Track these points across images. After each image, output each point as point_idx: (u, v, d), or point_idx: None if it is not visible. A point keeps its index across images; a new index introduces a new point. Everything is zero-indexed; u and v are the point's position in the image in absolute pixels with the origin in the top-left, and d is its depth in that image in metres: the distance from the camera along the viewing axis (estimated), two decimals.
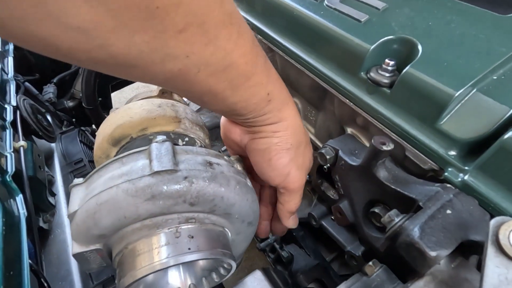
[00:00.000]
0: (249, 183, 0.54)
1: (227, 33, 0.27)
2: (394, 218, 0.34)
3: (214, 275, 0.53)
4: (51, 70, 1.30)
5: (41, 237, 0.71)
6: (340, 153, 0.47)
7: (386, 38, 0.42)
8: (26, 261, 0.53)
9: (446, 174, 0.36)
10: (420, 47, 0.39)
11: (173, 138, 0.63)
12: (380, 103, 0.43)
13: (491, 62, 0.36)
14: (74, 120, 1.20)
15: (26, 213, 0.56)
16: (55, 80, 1.25)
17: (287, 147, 0.41)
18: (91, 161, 1.03)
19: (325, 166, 0.52)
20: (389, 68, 0.41)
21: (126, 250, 0.46)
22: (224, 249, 0.49)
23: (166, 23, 0.22)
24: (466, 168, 0.35)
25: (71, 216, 0.47)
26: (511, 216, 0.25)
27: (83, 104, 1.20)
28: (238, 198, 0.49)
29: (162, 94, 0.70)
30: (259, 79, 0.33)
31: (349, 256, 0.63)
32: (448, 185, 0.34)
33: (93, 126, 1.33)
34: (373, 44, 0.42)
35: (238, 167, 0.55)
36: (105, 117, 1.45)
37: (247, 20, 0.64)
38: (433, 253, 0.28)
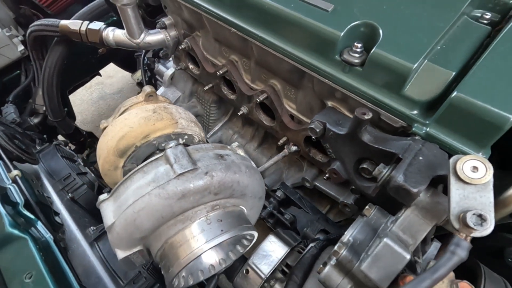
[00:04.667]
0: (253, 164, 0.62)
1: None
2: (382, 170, 0.45)
3: (238, 247, 0.63)
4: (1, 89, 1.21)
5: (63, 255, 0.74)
6: (328, 125, 0.57)
7: (352, 24, 0.50)
8: (73, 278, 0.57)
9: (413, 129, 0.47)
10: (381, 31, 0.48)
11: (174, 139, 0.68)
12: (355, 80, 0.52)
13: (435, 36, 0.46)
14: (45, 136, 1.16)
15: (52, 236, 0.59)
16: (10, 99, 1.16)
17: None
18: (80, 174, 1.02)
19: (314, 138, 0.61)
20: (358, 50, 0.50)
21: (167, 245, 0.53)
22: (247, 223, 0.58)
23: None
24: (427, 122, 0.46)
25: (109, 229, 0.52)
26: (463, 154, 0.37)
27: (49, 118, 1.15)
28: (250, 179, 0.58)
29: (148, 98, 0.72)
30: None
31: (343, 205, 0.75)
32: (417, 137, 0.45)
33: (59, 137, 1.29)
34: (343, 30, 0.50)
35: (241, 153, 0.63)
36: (74, 127, 1.43)
37: (215, 13, 0.67)
38: (415, 190, 0.39)
